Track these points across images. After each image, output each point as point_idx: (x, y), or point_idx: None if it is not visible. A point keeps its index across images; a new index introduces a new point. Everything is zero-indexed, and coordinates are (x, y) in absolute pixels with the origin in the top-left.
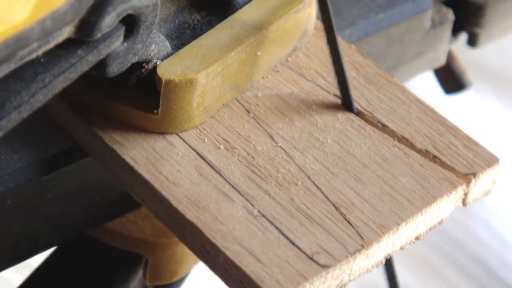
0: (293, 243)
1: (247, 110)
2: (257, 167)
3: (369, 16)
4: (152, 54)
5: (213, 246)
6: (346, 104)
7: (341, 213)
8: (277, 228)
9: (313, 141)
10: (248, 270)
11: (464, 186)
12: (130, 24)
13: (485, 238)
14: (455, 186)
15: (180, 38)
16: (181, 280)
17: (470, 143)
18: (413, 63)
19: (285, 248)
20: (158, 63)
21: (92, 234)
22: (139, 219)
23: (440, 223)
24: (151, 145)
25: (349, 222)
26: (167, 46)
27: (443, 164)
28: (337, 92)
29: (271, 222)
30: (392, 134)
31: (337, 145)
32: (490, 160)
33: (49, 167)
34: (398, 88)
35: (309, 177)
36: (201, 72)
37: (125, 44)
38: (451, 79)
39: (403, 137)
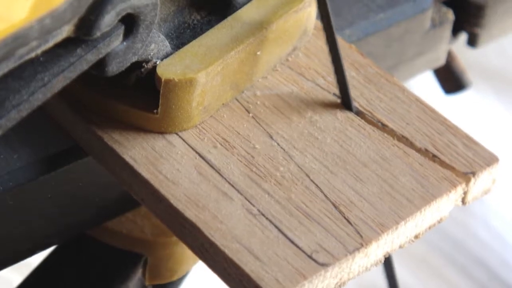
0: (292, 242)
1: (246, 110)
2: (257, 166)
3: (369, 16)
4: (151, 53)
5: (212, 245)
6: (345, 103)
7: (340, 212)
8: (276, 226)
9: (312, 140)
10: (247, 269)
11: (463, 185)
12: (130, 23)
13: (485, 238)
14: (454, 185)
15: (180, 38)
16: (181, 279)
17: (469, 142)
18: (413, 63)
19: (284, 247)
20: (157, 62)
21: (91, 234)
22: (138, 218)
23: (439, 222)
24: (150, 145)
25: (348, 221)
26: (166, 45)
27: (442, 163)
28: (337, 92)
29: (270, 221)
30: (391, 133)
31: (336, 144)
32: (490, 159)
33: (48, 167)
34: (398, 88)
35: (308, 176)
36: (201, 72)
37: (125, 43)
38: (451, 79)
39: (402, 136)
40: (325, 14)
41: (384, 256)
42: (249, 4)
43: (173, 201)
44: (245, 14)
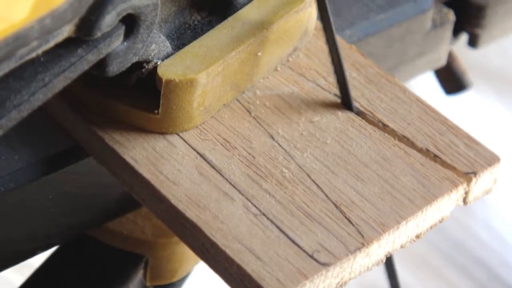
0: (293, 242)
1: (247, 110)
2: (258, 166)
3: (369, 17)
4: (152, 54)
5: (214, 245)
6: (346, 103)
7: (342, 212)
8: (277, 226)
9: (313, 141)
10: (248, 269)
11: (464, 185)
12: (130, 23)
13: (485, 238)
14: (455, 185)
15: (181, 38)
16: (182, 280)
17: (470, 142)
18: (414, 64)
19: (285, 247)
20: (158, 63)
21: (92, 234)
22: (139, 219)
23: (440, 221)
24: (151, 145)
25: (349, 221)
26: (167, 46)
27: (444, 163)
28: (338, 92)
29: (271, 221)
30: (392, 133)
31: (337, 144)
32: (491, 159)
33: (49, 167)
34: (399, 88)
35: (309, 176)
36: (202, 72)
37: (125, 43)
38: (451, 80)
39: (403, 136)
40: (325, 14)
41: (386, 256)
42: (249, 5)
43: (174, 201)
44: (245, 15)
